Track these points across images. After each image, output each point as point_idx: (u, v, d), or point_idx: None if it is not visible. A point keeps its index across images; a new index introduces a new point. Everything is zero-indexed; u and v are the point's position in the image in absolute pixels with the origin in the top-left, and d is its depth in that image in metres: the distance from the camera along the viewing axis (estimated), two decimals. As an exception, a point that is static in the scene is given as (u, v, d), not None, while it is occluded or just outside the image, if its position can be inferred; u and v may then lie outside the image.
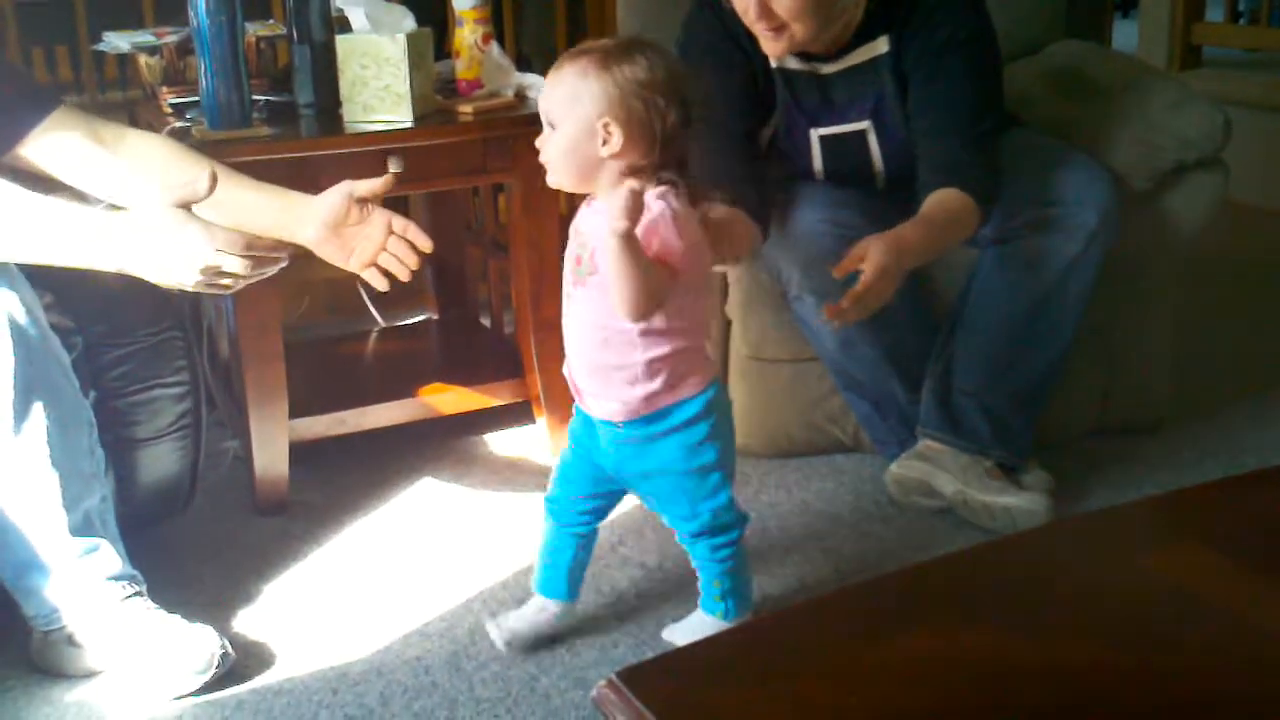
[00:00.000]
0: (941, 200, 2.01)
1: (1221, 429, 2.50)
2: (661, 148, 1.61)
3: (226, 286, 1.67)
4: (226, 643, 1.81)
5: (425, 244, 1.88)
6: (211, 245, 1.60)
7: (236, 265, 1.62)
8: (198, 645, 1.78)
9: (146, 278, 1.66)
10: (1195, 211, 2.34)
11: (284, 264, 1.68)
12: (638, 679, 1.05)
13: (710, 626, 1.80)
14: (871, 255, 1.83)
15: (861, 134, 2.17)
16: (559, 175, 1.67)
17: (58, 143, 1.86)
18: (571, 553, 1.85)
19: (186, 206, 1.63)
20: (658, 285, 1.60)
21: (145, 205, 1.65)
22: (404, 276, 1.89)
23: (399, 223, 1.86)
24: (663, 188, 1.62)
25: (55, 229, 1.64)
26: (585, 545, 1.86)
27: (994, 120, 2.12)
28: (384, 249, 1.87)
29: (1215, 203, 2.34)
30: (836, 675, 1.09)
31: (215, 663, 1.77)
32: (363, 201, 1.85)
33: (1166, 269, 2.39)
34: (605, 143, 1.60)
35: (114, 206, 1.82)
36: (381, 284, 1.89)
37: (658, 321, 1.65)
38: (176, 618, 1.82)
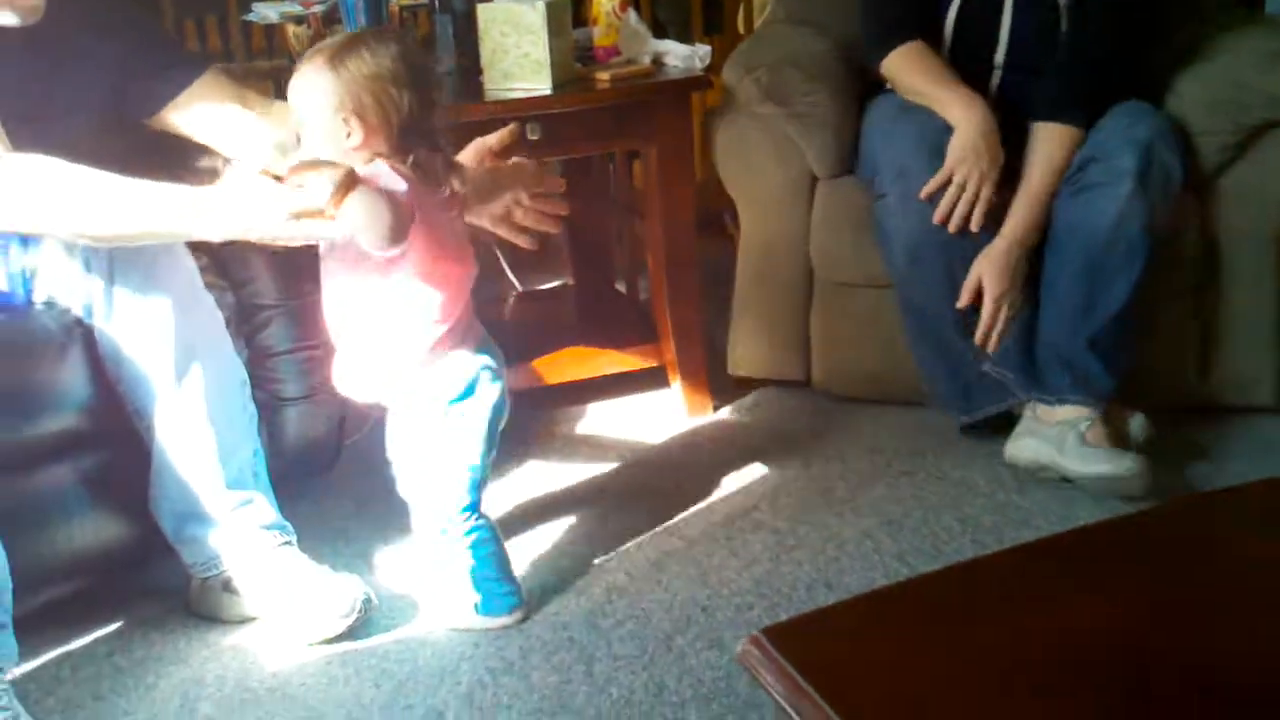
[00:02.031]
0: (1042, 143, 2.20)
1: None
2: (401, 133, 1.69)
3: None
4: (370, 591, 1.87)
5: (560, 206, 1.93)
6: (282, 210, 1.61)
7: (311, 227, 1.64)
8: (343, 591, 1.85)
9: (252, 240, 1.68)
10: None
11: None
12: (782, 637, 1.06)
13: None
14: (987, 284, 2.14)
15: (999, 2, 2.27)
16: None
17: (205, 104, 1.93)
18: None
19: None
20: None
21: (229, 179, 1.69)
22: (527, 244, 1.94)
23: (534, 179, 1.90)
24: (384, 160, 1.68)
25: (156, 207, 1.65)
26: None
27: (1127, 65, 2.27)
28: (520, 205, 1.90)
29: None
30: (972, 642, 1.09)
31: (359, 608, 1.83)
32: (501, 154, 1.89)
33: (1260, 231, 2.31)
34: (349, 136, 1.68)
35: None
36: (523, 242, 1.94)
37: None
38: (324, 567, 1.89)
